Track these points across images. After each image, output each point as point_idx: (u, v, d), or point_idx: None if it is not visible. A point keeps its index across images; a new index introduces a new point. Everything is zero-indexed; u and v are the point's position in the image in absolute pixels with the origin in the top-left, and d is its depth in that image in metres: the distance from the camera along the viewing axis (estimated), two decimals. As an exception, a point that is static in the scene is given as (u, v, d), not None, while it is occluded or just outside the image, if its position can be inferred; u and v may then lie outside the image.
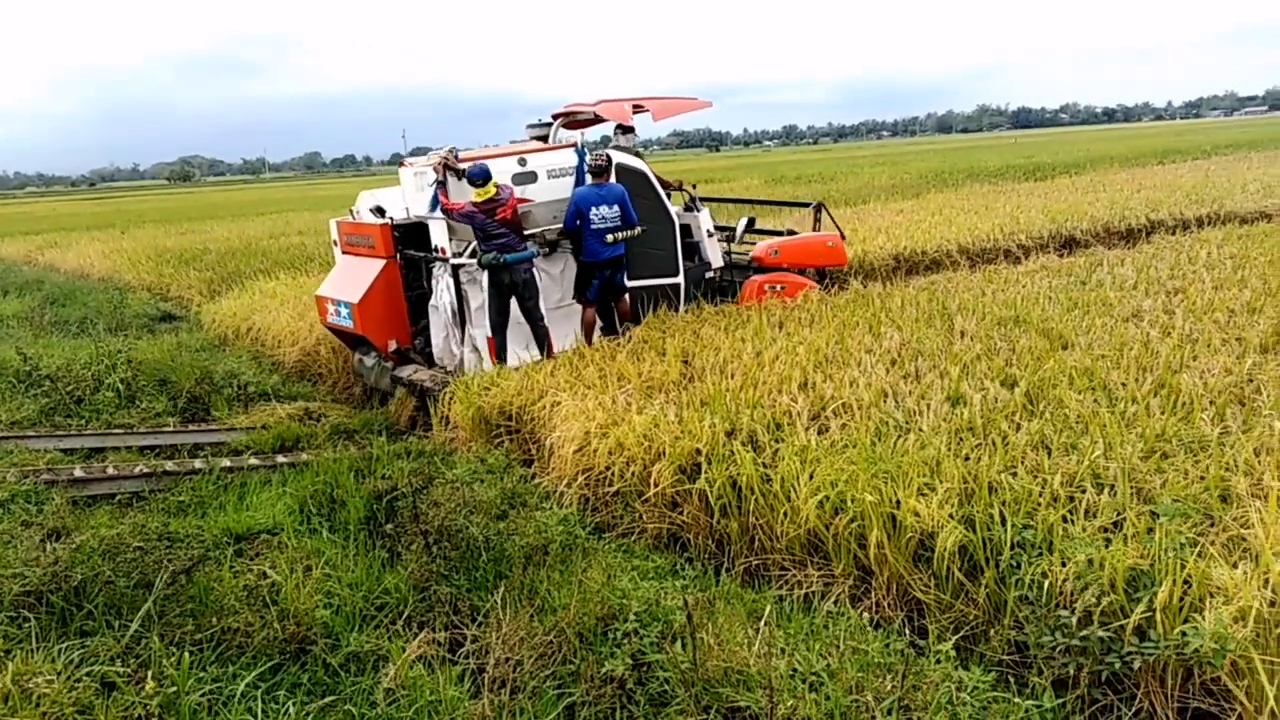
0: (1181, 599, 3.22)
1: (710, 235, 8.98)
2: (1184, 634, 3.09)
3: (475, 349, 7.68)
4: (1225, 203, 15.45)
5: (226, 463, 6.64)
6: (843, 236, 9.75)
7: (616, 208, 7.55)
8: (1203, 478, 3.99)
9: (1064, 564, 3.50)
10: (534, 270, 7.41)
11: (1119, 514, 3.76)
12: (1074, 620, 3.32)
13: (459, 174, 7.31)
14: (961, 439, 4.64)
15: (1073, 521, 3.76)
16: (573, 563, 4.62)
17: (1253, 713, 3.01)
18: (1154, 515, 3.69)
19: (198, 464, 6.62)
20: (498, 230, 7.12)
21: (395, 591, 4.38)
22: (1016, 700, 3.23)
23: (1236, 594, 3.12)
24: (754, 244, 9.46)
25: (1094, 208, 15.37)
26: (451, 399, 6.83)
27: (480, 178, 7.07)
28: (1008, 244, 12.86)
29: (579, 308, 8.04)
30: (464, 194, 7.25)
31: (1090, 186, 20.93)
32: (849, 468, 4.36)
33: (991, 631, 3.69)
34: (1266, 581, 3.17)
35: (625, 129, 8.67)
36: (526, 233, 7.44)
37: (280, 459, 6.78)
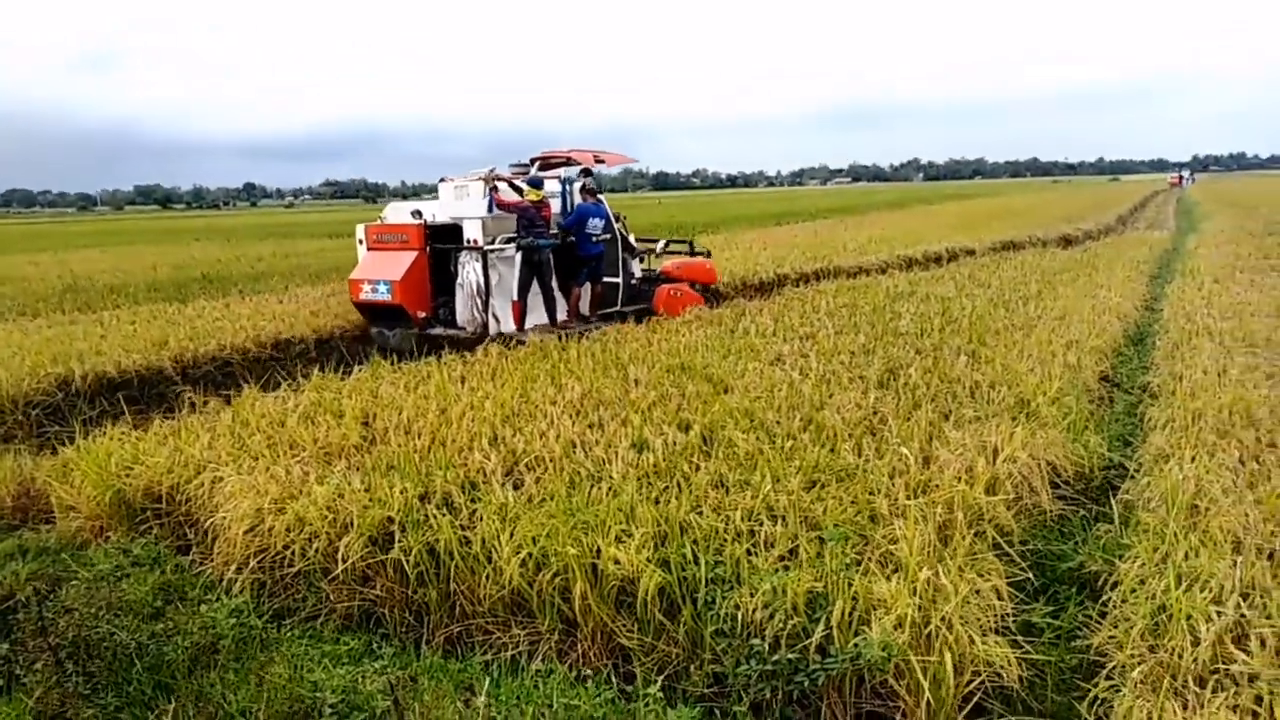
0: (851, 614, 3.61)
1: (633, 254, 12.12)
2: (856, 646, 3.46)
3: (495, 317, 10.09)
4: (833, 259, 18.03)
5: None
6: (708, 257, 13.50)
7: (604, 220, 10.97)
8: (854, 502, 4.53)
9: (752, 594, 3.76)
10: (550, 255, 10.41)
11: (793, 542, 4.14)
12: (766, 646, 3.59)
13: (510, 183, 10.60)
14: (650, 483, 4.85)
15: (756, 554, 4.08)
16: (250, 658, 4.12)
17: (913, 705, 3.44)
18: (821, 541, 4.11)
19: None
20: (540, 222, 10.20)
21: (18, 727, 3.59)
22: (723, 732, 3.40)
23: (894, 604, 3.57)
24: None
25: (732, 263, 17.11)
26: (82, 481, 5.83)
27: (539, 184, 10.59)
28: (665, 297, 13.86)
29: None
30: (509, 197, 10.39)
31: (725, 244, 23.33)
32: (549, 521, 4.36)
33: (692, 668, 3.86)
34: (914, 589, 3.66)
35: (586, 171, 11.59)
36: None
37: None
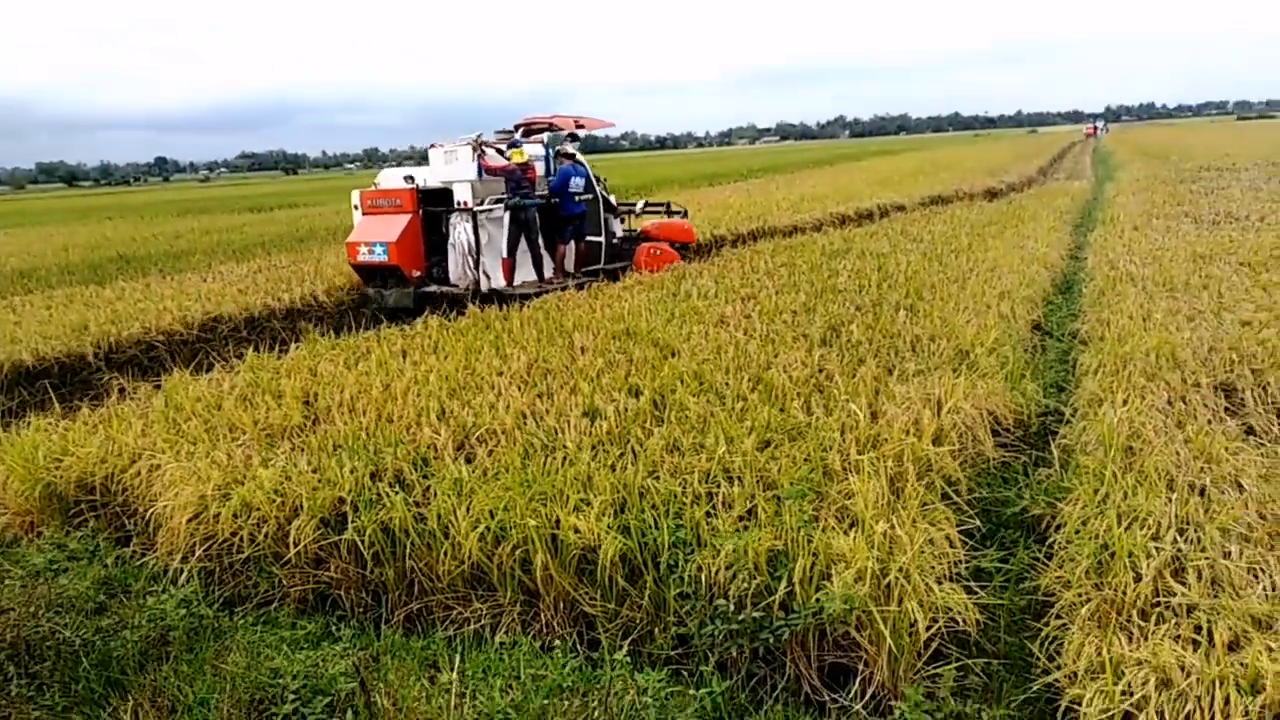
0: (812, 569, 3.66)
1: (614, 214, 12.90)
2: (819, 601, 3.53)
3: (486, 274, 10.73)
4: (767, 219, 18.10)
5: None
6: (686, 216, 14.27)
7: (585, 180, 11.66)
8: (807, 460, 4.59)
9: (715, 556, 3.79)
10: (536, 214, 11.21)
11: (751, 502, 4.18)
12: (730, 606, 3.62)
13: (495, 148, 11.43)
14: (606, 450, 4.84)
15: (715, 516, 4.10)
16: (203, 648, 4.02)
17: (874, 654, 3.52)
18: (778, 499, 4.16)
19: None
20: (526, 183, 11.05)
21: (-39, 735, 3.45)
22: (693, 692, 3.44)
23: (853, 558, 3.63)
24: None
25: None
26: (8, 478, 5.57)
27: (518, 146, 11.27)
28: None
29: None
30: (496, 162, 11.16)
31: (660, 206, 23.22)
32: (505, 494, 4.32)
33: (656, 631, 3.89)
34: (872, 542, 3.73)
35: (572, 136, 12.19)
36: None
37: None
